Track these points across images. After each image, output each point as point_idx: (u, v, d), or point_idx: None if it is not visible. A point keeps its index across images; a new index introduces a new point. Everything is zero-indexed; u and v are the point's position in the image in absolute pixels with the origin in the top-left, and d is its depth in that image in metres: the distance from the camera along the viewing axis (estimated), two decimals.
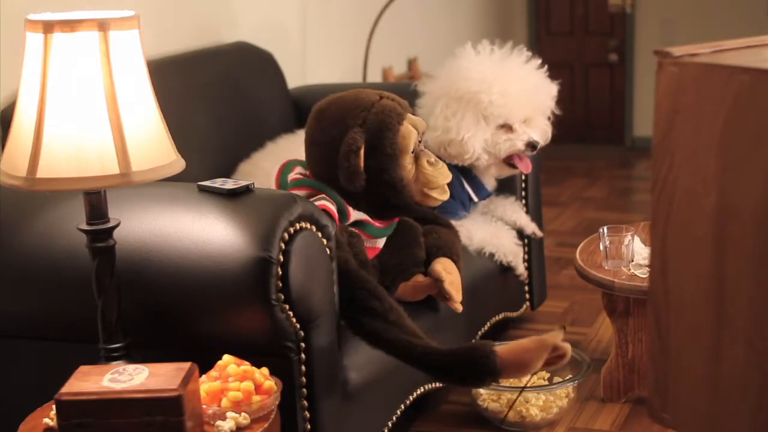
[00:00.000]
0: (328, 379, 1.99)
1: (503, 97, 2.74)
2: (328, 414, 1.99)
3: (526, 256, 3.03)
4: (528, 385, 2.55)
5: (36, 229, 2.01)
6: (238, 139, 2.91)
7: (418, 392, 2.39)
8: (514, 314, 3.04)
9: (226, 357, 1.79)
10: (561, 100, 2.97)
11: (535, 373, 2.47)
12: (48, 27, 1.69)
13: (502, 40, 2.90)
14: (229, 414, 1.71)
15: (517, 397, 2.48)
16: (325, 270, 1.97)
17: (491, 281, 2.82)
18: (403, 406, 2.34)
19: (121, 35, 1.73)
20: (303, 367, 1.92)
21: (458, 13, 5.34)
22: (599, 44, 6.09)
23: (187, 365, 1.68)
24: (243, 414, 1.72)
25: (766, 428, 1.18)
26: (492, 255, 2.81)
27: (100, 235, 1.81)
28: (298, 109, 3.21)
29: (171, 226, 1.90)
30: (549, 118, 2.91)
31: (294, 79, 3.48)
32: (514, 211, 2.95)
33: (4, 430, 2.03)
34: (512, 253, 2.85)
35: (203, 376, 1.78)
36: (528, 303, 3.11)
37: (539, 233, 3.02)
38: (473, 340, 2.65)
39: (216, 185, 1.96)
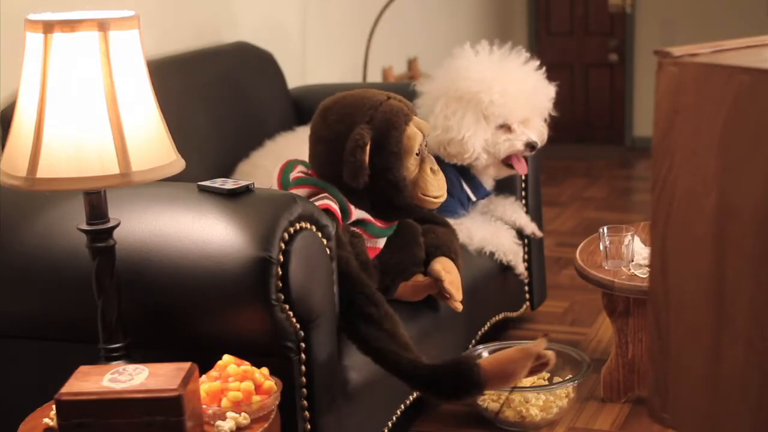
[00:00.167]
0: (328, 379, 1.99)
1: (503, 97, 2.74)
2: (328, 414, 1.99)
3: (526, 256, 3.03)
4: (530, 385, 2.55)
5: (36, 229, 2.01)
6: (238, 139, 2.91)
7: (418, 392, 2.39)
8: (514, 314, 3.04)
9: (226, 357, 1.79)
10: (561, 100, 2.98)
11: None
12: (48, 27, 1.69)
13: (502, 40, 2.91)
14: (229, 414, 1.71)
15: (508, 396, 2.47)
16: (325, 270, 1.97)
17: (491, 281, 2.82)
18: (403, 406, 2.34)
19: (121, 35, 1.73)
20: (303, 367, 1.92)
21: (458, 13, 5.34)
22: (599, 44, 6.09)
23: (187, 365, 1.68)
24: (243, 414, 1.72)
25: (766, 428, 1.18)
26: (492, 254, 2.81)
27: (100, 235, 1.81)
28: (298, 108, 3.22)
29: (171, 226, 1.90)
30: (546, 120, 2.91)
31: (294, 79, 3.48)
32: (514, 210, 2.95)
33: (4, 430, 2.03)
34: (512, 252, 2.85)
35: (203, 376, 1.78)
36: (528, 303, 3.11)
37: (539, 233, 3.02)
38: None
39: (216, 185, 1.96)
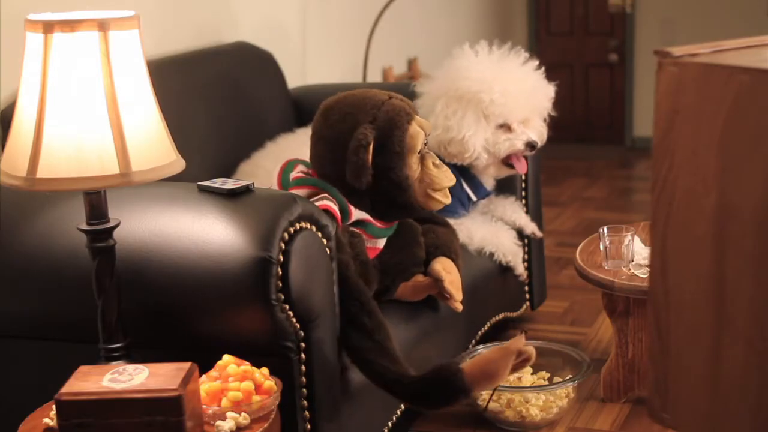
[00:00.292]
0: (328, 379, 1.99)
1: (504, 96, 2.75)
2: (328, 414, 1.99)
3: (526, 256, 3.03)
4: (530, 385, 2.55)
5: (36, 229, 2.01)
6: (238, 139, 2.91)
7: None
8: (514, 314, 3.04)
9: (226, 357, 1.79)
10: (561, 100, 2.98)
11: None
12: (48, 27, 1.69)
13: (502, 40, 2.91)
14: (229, 414, 1.71)
15: (494, 391, 2.46)
16: (325, 270, 1.97)
17: (491, 281, 2.82)
18: (403, 406, 2.34)
19: (121, 35, 1.72)
20: (303, 367, 1.92)
21: (458, 13, 5.34)
22: (599, 44, 6.09)
23: (187, 365, 1.68)
24: (243, 414, 1.72)
25: (766, 428, 1.18)
26: (492, 254, 2.81)
27: (100, 235, 1.81)
28: (298, 109, 3.22)
29: (171, 226, 1.90)
30: (545, 120, 2.92)
31: (294, 79, 3.48)
32: (514, 211, 2.95)
33: (4, 430, 2.03)
34: (512, 253, 2.86)
35: (203, 376, 1.78)
36: (528, 303, 3.11)
37: (539, 233, 3.02)
38: (470, 343, 2.66)
39: (216, 185, 1.96)
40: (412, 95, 2.79)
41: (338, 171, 2.19)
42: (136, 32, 1.76)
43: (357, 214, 2.23)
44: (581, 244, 2.81)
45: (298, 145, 2.72)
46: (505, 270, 2.88)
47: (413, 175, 2.23)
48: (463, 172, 2.84)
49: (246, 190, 1.95)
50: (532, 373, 2.65)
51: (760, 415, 1.19)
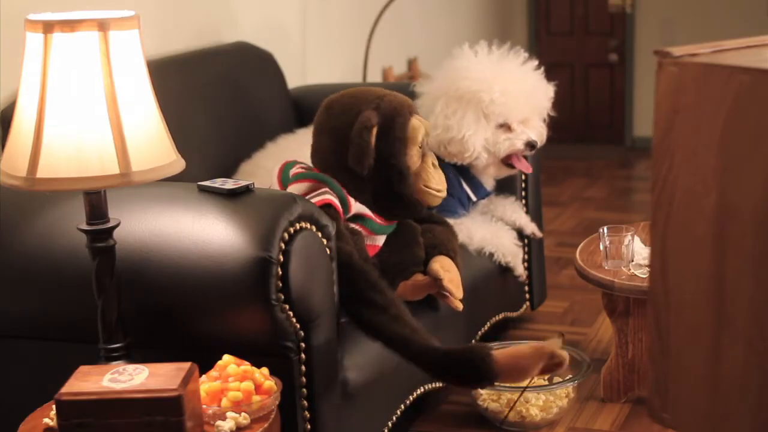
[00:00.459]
0: (328, 379, 1.99)
1: (504, 96, 2.75)
2: (328, 414, 1.99)
3: (526, 256, 3.03)
4: (529, 385, 2.55)
5: (36, 229, 2.01)
6: (238, 139, 2.91)
7: (418, 392, 2.39)
8: (514, 314, 3.04)
9: (226, 357, 1.79)
10: (561, 100, 2.98)
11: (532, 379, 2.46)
12: (48, 27, 1.69)
13: (502, 40, 2.91)
14: (229, 414, 1.71)
15: (519, 398, 2.48)
16: (325, 270, 1.97)
17: (491, 281, 2.82)
18: (403, 406, 2.34)
19: (121, 35, 1.72)
20: (303, 367, 1.92)
21: (458, 13, 5.34)
22: (599, 44, 6.09)
23: (187, 365, 1.68)
24: (243, 414, 1.72)
25: (766, 428, 1.18)
26: (491, 255, 2.81)
27: (100, 235, 1.81)
28: (298, 109, 3.22)
29: (171, 226, 1.90)
30: (545, 120, 2.92)
31: (294, 79, 3.48)
32: (514, 211, 2.95)
33: (4, 430, 2.03)
34: (511, 254, 2.85)
35: (203, 376, 1.78)
36: (528, 303, 3.11)
37: (539, 233, 3.02)
38: (472, 342, 2.66)
39: (216, 185, 1.96)
40: (412, 95, 2.79)
41: (340, 160, 2.21)
42: (136, 32, 1.76)
43: (356, 207, 2.23)
44: (581, 244, 2.81)
45: (298, 145, 2.72)
46: (505, 270, 2.88)
47: (413, 166, 2.25)
48: (463, 172, 2.84)
49: (246, 190, 1.95)
50: None
51: (760, 415, 1.19)
